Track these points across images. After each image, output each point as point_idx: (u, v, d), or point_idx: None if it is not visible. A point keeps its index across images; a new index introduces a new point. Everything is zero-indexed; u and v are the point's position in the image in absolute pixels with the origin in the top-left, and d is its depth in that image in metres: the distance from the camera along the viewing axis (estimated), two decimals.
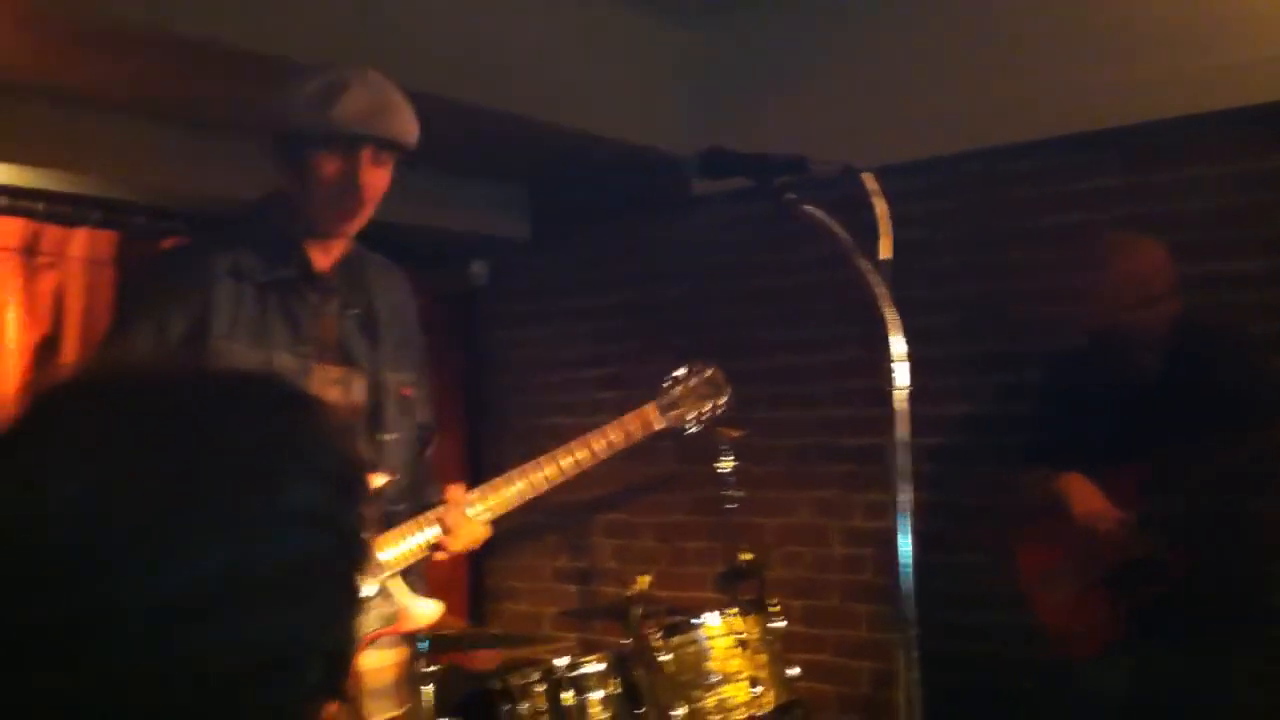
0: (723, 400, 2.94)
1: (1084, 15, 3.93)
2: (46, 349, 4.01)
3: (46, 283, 4.05)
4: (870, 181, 1.77)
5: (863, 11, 4.34)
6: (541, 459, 2.56)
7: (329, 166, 2.29)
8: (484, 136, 4.36)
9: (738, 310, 4.81)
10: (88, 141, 3.90)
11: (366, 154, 2.31)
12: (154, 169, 4.10)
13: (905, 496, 1.70)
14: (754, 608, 3.41)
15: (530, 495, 2.52)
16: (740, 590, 3.73)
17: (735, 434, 3.76)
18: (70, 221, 4.09)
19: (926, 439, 4.11)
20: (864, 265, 1.71)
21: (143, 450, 0.81)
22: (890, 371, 1.69)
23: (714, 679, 3.26)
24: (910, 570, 1.73)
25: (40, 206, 4.01)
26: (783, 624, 3.42)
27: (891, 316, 1.69)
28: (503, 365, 5.53)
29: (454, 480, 2.55)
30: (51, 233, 4.06)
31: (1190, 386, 3.14)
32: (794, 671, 3.39)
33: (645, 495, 4.94)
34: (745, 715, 3.24)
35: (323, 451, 0.87)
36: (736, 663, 3.27)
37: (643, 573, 3.81)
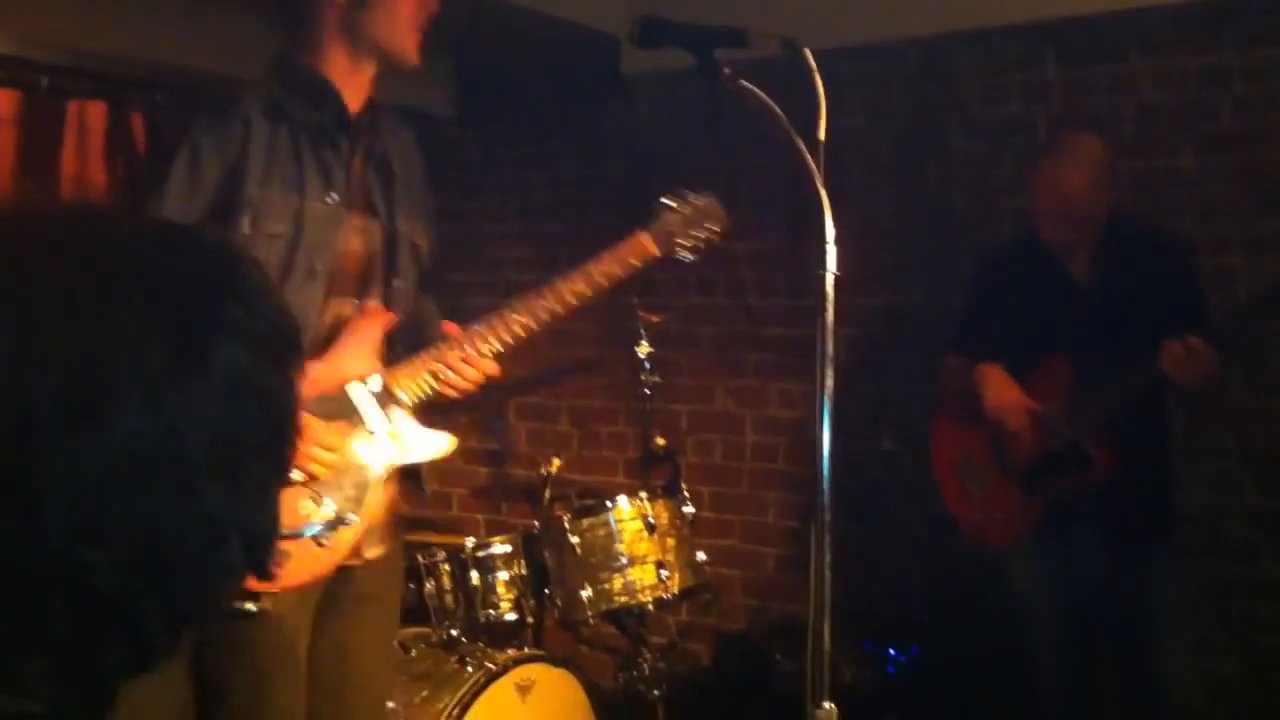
0: (717, 227, 2.85)
1: None
2: None
3: None
4: (811, 59, 1.73)
5: None
6: (543, 290, 2.49)
7: None
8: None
9: (668, 191, 4.75)
10: None
11: None
12: (58, 26, 3.90)
13: (829, 382, 1.69)
14: (665, 493, 3.42)
15: (533, 328, 2.46)
16: (653, 476, 3.74)
17: (656, 319, 3.73)
18: None
19: (854, 329, 4.15)
20: (801, 145, 1.67)
21: (68, 302, 0.76)
22: (822, 254, 1.66)
23: (621, 561, 3.27)
24: (828, 457, 1.71)
25: None
26: (692, 510, 3.44)
27: (825, 199, 1.66)
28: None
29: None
30: None
31: (1122, 284, 3.17)
32: (701, 556, 3.42)
33: (562, 378, 4.92)
34: (651, 598, 3.27)
35: (254, 314, 0.82)
36: (644, 546, 3.29)
37: (556, 456, 3.81)
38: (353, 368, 2.34)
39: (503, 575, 3.39)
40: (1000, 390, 3.23)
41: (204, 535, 0.79)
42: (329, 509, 2.23)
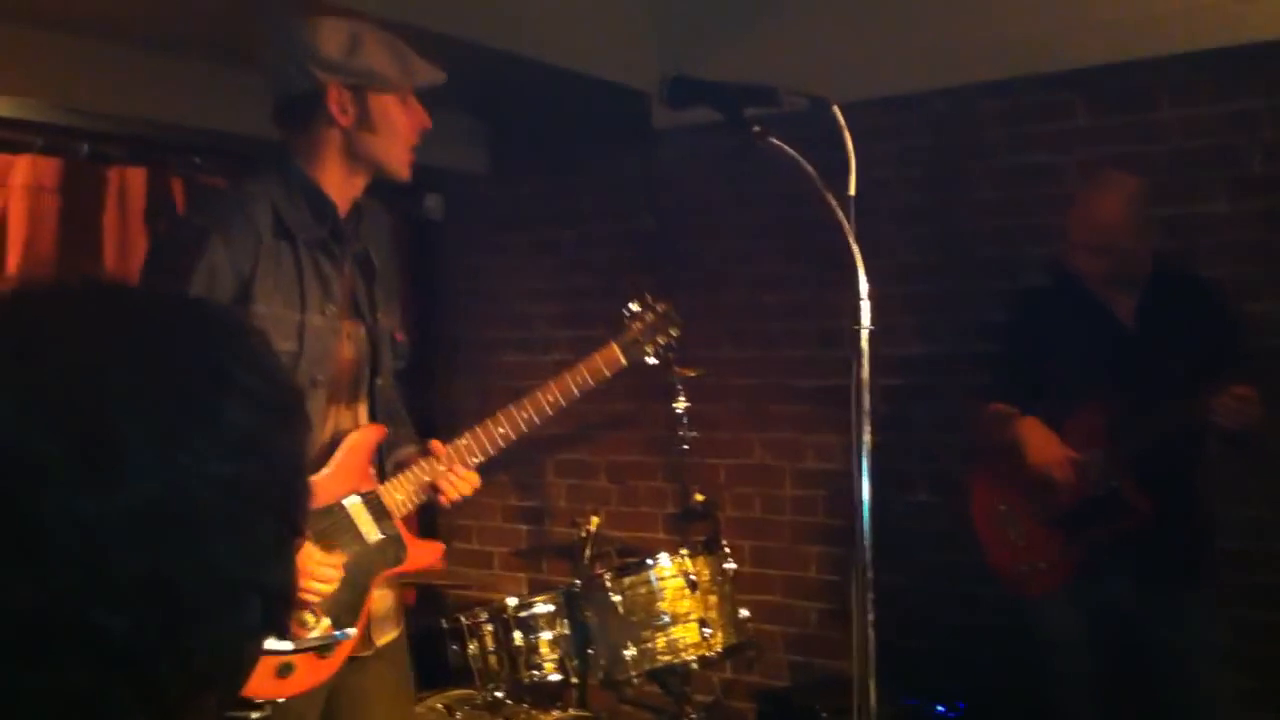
0: (675, 333, 3.01)
1: None
2: None
3: None
4: (839, 115, 1.73)
5: None
6: (522, 401, 2.67)
7: (404, 116, 2.41)
8: (441, 66, 4.26)
9: (698, 246, 4.77)
10: (30, 66, 3.77)
11: (411, 95, 2.44)
12: (98, 93, 3.97)
13: (866, 436, 1.67)
14: (706, 549, 3.39)
15: (513, 437, 2.63)
16: (692, 531, 3.71)
17: (691, 373, 3.73)
18: (13, 148, 3.97)
19: (885, 379, 4.12)
20: (832, 201, 1.67)
21: (77, 367, 0.77)
22: (856, 309, 1.66)
23: (664, 620, 3.25)
24: (868, 511, 1.70)
25: None
26: (733, 565, 3.41)
27: (857, 253, 1.66)
28: (458, 300, 5.47)
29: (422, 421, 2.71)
30: None
31: (1168, 329, 3.15)
32: (744, 613, 3.39)
33: (599, 435, 4.92)
34: (695, 656, 3.24)
35: (258, 378, 0.84)
36: (686, 604, 3.27)
37: (595, 513, 3.80)
38: (348, 482, 2.45)
39: (546, 635, 3.37)
40: (1042, 445, 3.20)
41: (219, 595, 0.79)
42: (326, 623, 2.35)
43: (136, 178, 4.24)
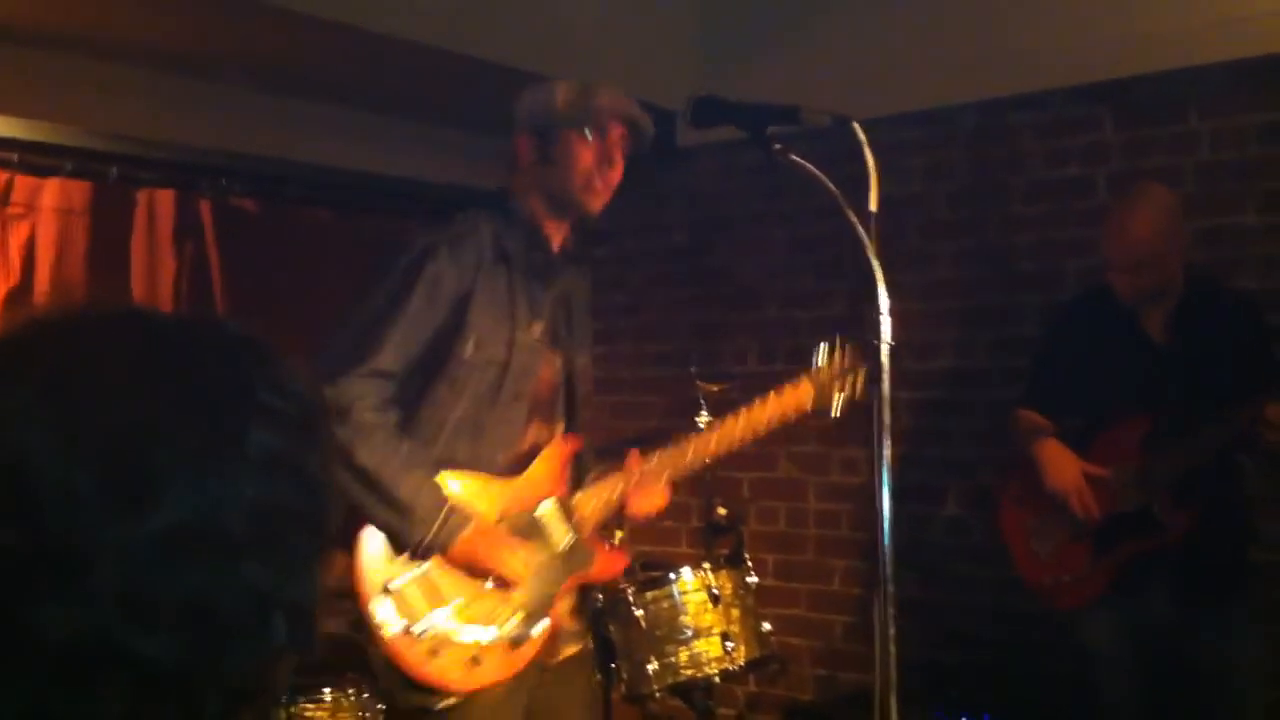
0: (861, 378, 2.92)
1: None
2: (17, 299, 3.95)
3: (19, 233, 3.98)
4: (861, 132, 1.75)
5: None
6: (714, 424, 2.80)
7: (586, 150, 2.59)
8: (469, 87, 4.31)
9: (730, 261, 4.79)
10: (60, 89, 3.83)
11: (618, 140, 2.63)
12: (127, 117, 4.02)
13: (887, 451, 1.69)
14: (729, 562, 3.40)
15: (698, 462, 2.76)
16: (716, 545, 3.72)
17: (715, 388, 3.73)
18: (43, 171, 4.02)
19: (919, 393, 4.13)
20: (852, 217, 1.69)
21: (107, 396, 0.79)
22: (877, 324, 1.67)
23: (687, 634, 3.25)
24: (889, 525, 1.71)
25: (14, 156, 3.92)
26: (755, 579, 3.42)
27: (878, 269, 1.67)
28: None
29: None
30: (23, 182, 3.97)
31: (1199, 344, 3.14)
32: (767, 627, 3.39)
33: (624, 449, 4.92)
34: (718, 670, 3.24)
35: (284, 396, 0.86)
36: (710, 618, 3.27)
37: (619, 527, 3.81)
38: (542, 489, 2.62)
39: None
40: (1059, 470, 3.20)
41: (250, 611, 0.81)
42: (520, 614, 2.49)
43: (165, 200, 4.28)
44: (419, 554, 2.44)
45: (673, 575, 3.31)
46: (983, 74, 4.07)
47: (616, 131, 2.63)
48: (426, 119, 4.67)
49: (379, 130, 4.57)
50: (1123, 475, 3.15)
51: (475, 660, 2.44)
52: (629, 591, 3.31)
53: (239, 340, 0.89)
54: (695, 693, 3.37)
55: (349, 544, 2.42)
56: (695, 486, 4.59)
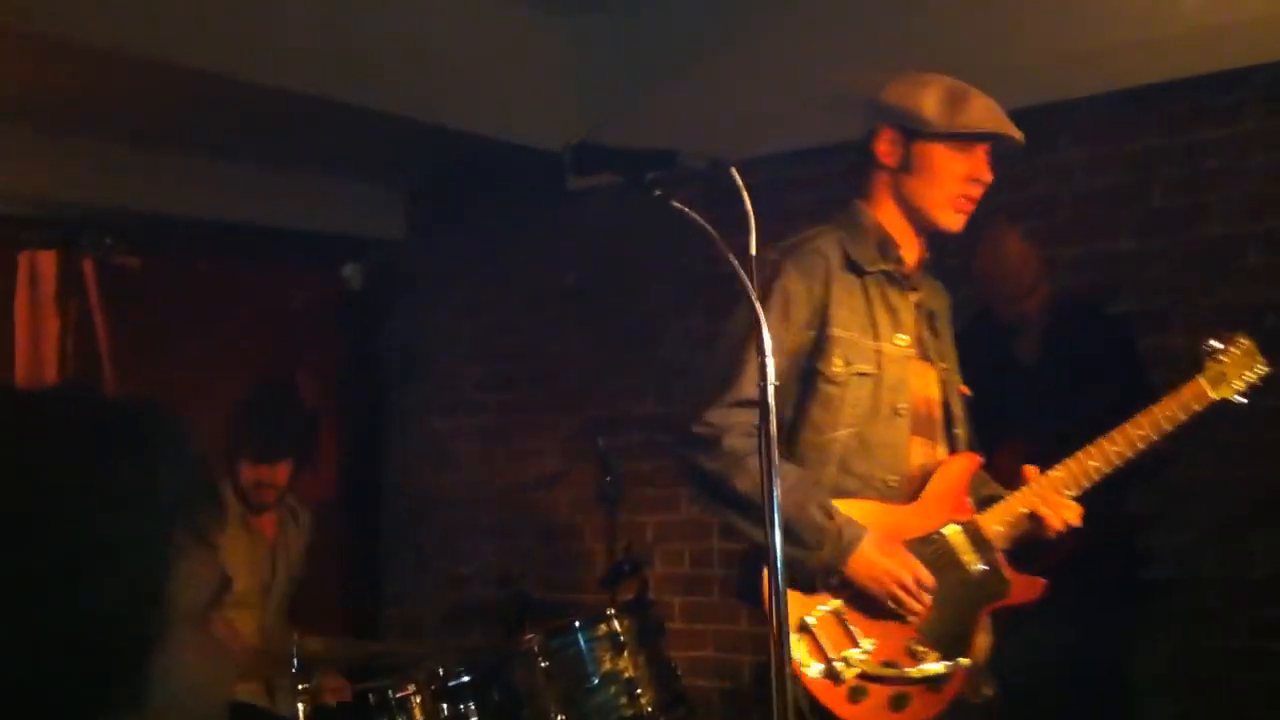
0: (1264, 369, 2.72)
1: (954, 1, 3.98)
2: None
3: None
4: (738, 176, 1.76)
5: (735, 4, 4.35)
6: (1113, 435, 2.56)
7: (953, 164, 2.45)
8: (355, 136, 4.28)
9: (625, 302, 4.79)
10: None
11: (984, 152, 2.47)
12: (4, 177, 3.93)
13: (777, 491, 1.69)
14: (634, 607, 3.38)
15: (1106, 471, 2.54)
16: (621, 590, 3.70)
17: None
18: None
19: None
20: (733, 260, 1.70)
21: (36, 474, 0.88)
22: (763, 367, 1.68)
23: (594, 682, 3.22)
24: (782, 567, 1.71)
25: None
26: (662, 622, 3.40)
27: (761, 312, 1.68)
28: (384, 366, 5.43)
29: None
30: None
31: (1066, 364, 3.22)
32: (676, 670, 3.37)
33: (525, 495, 4.89)
34: (629, 715, 3.21)
35: (194, 475, 0.96)
36: (615, 664, 3.24)
37: (522, 574, 3.78)
38: (944, 511, 2.45)
39: (474, 704, 3.32)
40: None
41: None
42: (936, 655, 2.34)
43: (48, 260, 4.20)
44: (820, 576, 2.33)
45: (577, 623, 3.28)
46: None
47: (986, 144, 2.48)
48: (311, 169, 4.63)
49: (261, 182, 4.51)
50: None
51: (900, 700, 2.33)
52: (535, 642, 3.27)
53: (158, 426, 0.96)
54: None
55: (755, 589, 2.26)
56: (599, 532, 4.57)
